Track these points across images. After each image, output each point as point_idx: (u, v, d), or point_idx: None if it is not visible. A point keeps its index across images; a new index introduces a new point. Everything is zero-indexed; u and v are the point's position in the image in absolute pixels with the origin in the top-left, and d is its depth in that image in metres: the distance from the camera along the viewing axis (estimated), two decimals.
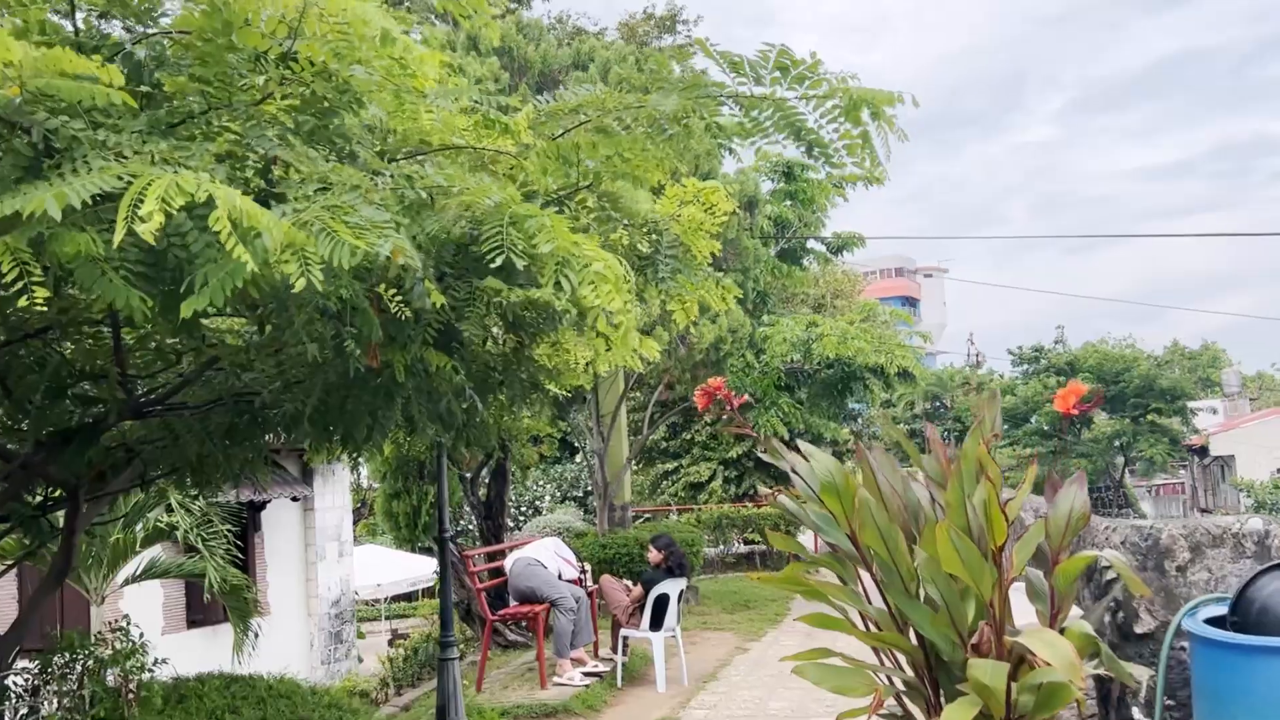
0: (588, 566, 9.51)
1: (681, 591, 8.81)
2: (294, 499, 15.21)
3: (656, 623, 8.59)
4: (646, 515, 19.98)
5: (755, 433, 3.51)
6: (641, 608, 8.66)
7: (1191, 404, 45.34)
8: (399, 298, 3.38)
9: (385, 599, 30.63)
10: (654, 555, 8.68)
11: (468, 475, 11.02)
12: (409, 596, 32.00)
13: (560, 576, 8.94)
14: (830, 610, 3.71)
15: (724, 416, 3.47)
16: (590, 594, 9.47)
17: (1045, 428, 47.20)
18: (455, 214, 2.83)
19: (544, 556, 8.94)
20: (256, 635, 9.73)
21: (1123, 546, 3.56)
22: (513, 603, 9.01)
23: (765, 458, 3.70)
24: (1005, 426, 58.53)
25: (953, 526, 2.88)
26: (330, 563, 17.39)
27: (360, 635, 22.63)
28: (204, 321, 4.52)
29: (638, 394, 23.29)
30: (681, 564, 8.68)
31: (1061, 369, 47.08)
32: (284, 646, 15.65)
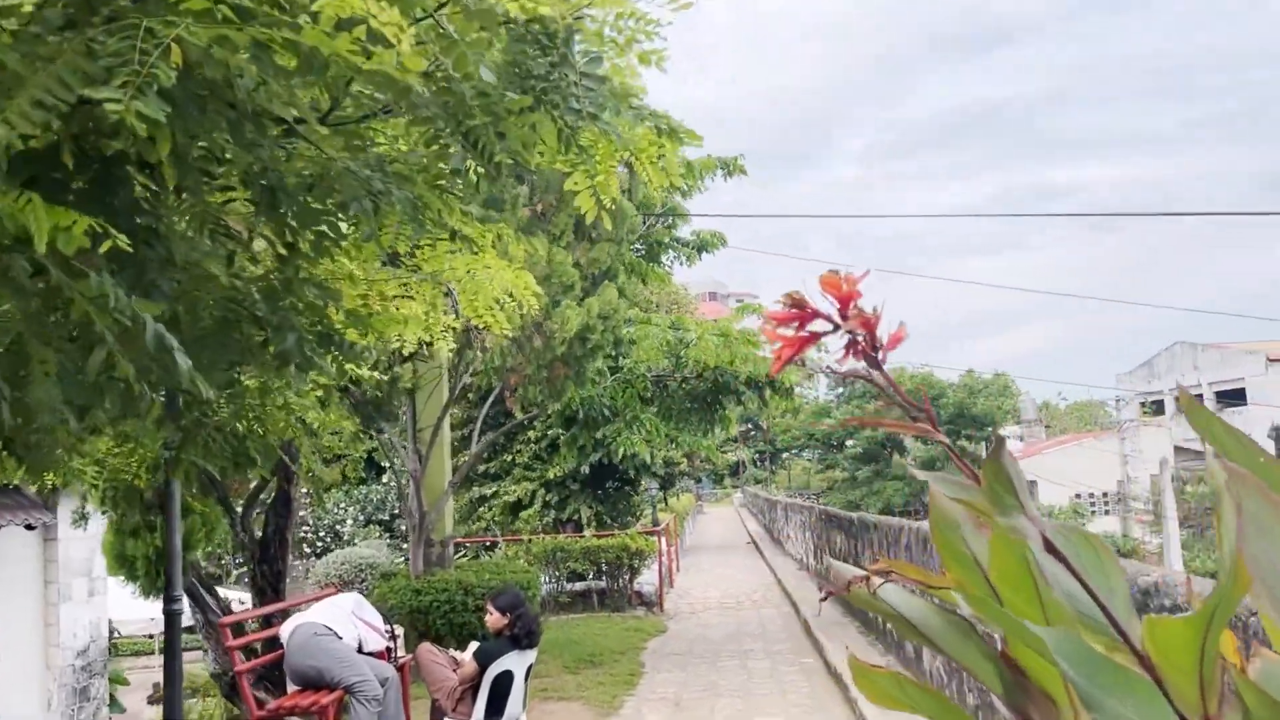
0: (399, 632, 7.03)
1: (530, 667, 6.49)
2: (29, 526, 12.39)
3: (495, 710, 6.24)
4: (466, 549, 17.42)
5: (938, 430, 1.20)
6: (475, 689, 6.29)
7: (995, 430, 46.74)
8: None
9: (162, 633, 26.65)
10: (494, 619, 6.32)
11: (238, 505, 8.29)
12: (190, 628, 27.95)
13: (361, 649, 6.44)
14: None
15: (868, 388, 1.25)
16: (402, 669, 6.99)
17: (861, 450, 47.57)
18: None
19: (337, 621, 6.41)
20: None
21: None
22: (292, 687, 6.42)
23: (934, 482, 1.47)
24: (819, 451, 59.20)
25: None
26: (77, 603, 14.36)
27: (123, 681, 19.02)
28: None
29: (456, 410, 20.69)
30: (531, 631, 6.35)
31: (877, 394, 47.59)
32: (13, 706, 12.76)
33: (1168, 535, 30.79)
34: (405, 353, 4.54)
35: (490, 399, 11.09)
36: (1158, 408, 55.36)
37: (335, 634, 6.30)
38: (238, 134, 2.21)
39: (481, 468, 22.65)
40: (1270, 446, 40.03)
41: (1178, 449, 42.13)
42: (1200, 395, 53.80)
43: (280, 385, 3.26)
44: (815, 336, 1.18)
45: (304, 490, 20.54)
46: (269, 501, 8.38)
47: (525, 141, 2.21)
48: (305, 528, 24.20)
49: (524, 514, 21.62)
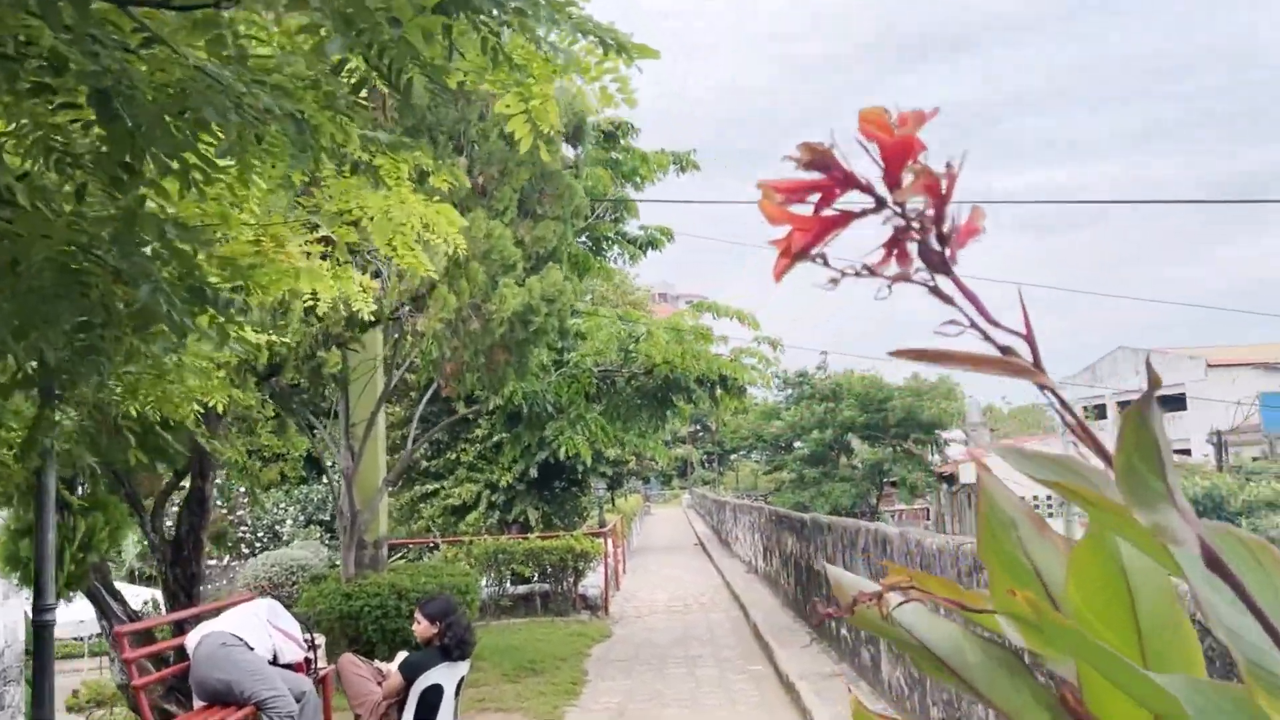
0: (320, 641, 6.48)
1: (462, 680, 5.98)
2: None
3: None
4: (405, 551, 16.80)
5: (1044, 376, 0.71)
6: (401, 704, 5.77)
7: (942, 434, 46.86)
8: None
9: (92, 636, 25.61)
10: (423, 627, 5.79)
11: (148, 503, 7.65)
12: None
13: (275, 660, 5.88)
14: None
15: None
16: (323, 681, 6.45)
17: (807, 453, 47.40)
18: None
19: (248, 630, 5.85)
20: None
21: None
22: (198, 703, 5.84)
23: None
24: (768, 453, 59.13)
25: None
26: None
27: None
28: None
29: (398, 408, 19.97)
30: (463, 641, 5.83)
31: (826, 395, 47.54)
32: None
33: None
34: (319, 313, 4.02)
35: (428, 394, 10.54)
36: (1100, 412, 56.12)
37: (246, 644, 5.74)
38: (51, 16, 1.70)
39: (424, 465, 22.00)
40: (1211, 451, 40.65)
41: None
42: None
43: (155, 354, 2.72)
44: (847, 216, 0.72)
45: (241, 489, 19.72)
46: (184, 501, 7.76)
47: (428, 32, 1.73)
48: (244, 528, 23.40)
49: (470, 517, 20.99)
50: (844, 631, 8.85)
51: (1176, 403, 51.23)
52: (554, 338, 6.70)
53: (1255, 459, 39.41)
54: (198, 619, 6.85)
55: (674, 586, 18.56)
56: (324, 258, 3.45)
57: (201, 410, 4.72)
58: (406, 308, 5.56)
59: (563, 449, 9.53)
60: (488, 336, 6.03)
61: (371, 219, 2.85)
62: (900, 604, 1.13)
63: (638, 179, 11.56)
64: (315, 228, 2.90)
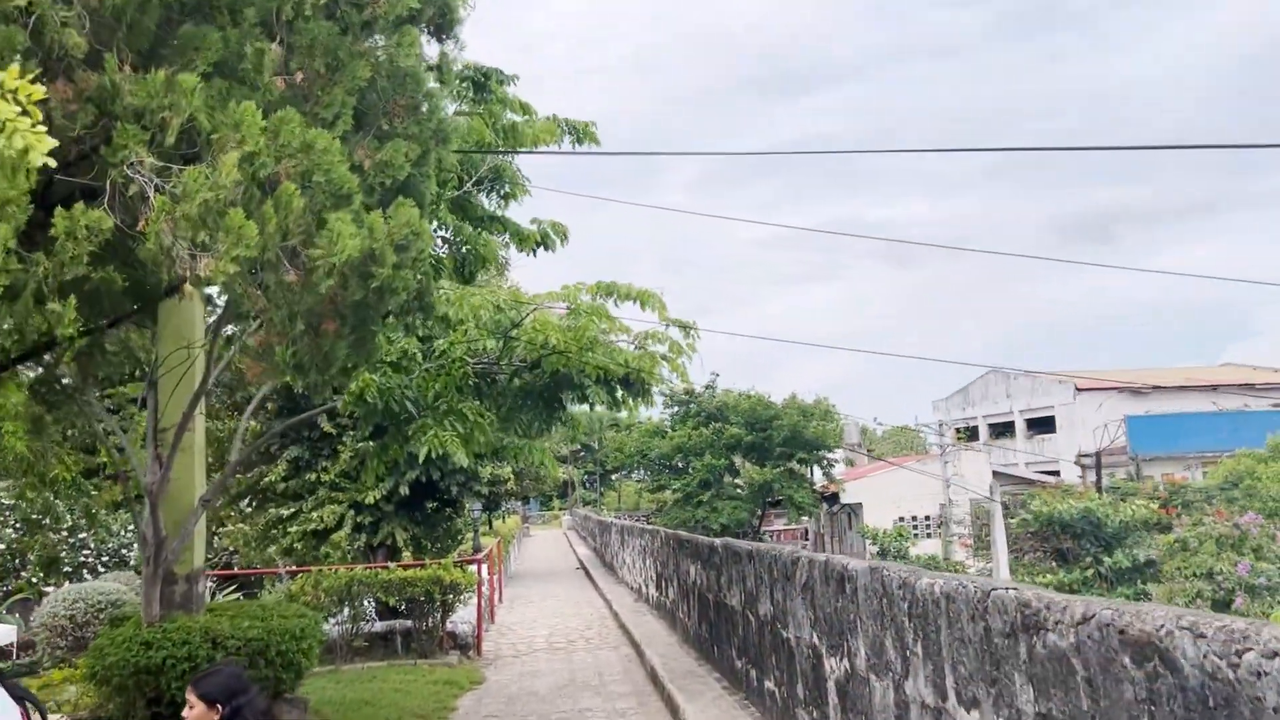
0: None
1: None
2: None
3: None
4: (238, 585, 14.55)
5: None
6: None
7: (825, 454, 46.40)
8: None
9: None
10: (197, 713, 3.93)
11: None
12: None
13: None
14: None
15: None
16: None
17: (697, 481, 46.02)
18: None
19: None
20: None
21: None
22: None
23: None
24: (653, 472, 57.78)
25: None
26: None
27: None
28: None
29: (253, 422, 17.62)
30: None
31: (713, 414, 46.52)
32: None
33: (996, 559, 30.61)
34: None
35: (263, 390, 8.58)
36: (972, 434, 56.77)
37: None
38: None
39: (282, 485, 19.69)
40: (1079, 472, 41.16)
41: (995, 473, 42.88)
42: (1012, 423, 55.57)
43: None
44: None
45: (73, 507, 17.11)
46: None
47: None
48: (85, 551, 20.64)
49: (334, 537, 18.75)
50: (768, 684, 7.26)
51: (1047, 425, 52.18)
52: (409, 301, 4.90)
53: (1124, 479, 40.12)
54: None
55: (556, 619, 16.76)
56: None
57: None
58: (183, 243, 3.68)
59: (427, 450, 7.64)
60: (309, 294, 4.19)
61: None
62: None
63: (516, 139, 9.63)
64: None
